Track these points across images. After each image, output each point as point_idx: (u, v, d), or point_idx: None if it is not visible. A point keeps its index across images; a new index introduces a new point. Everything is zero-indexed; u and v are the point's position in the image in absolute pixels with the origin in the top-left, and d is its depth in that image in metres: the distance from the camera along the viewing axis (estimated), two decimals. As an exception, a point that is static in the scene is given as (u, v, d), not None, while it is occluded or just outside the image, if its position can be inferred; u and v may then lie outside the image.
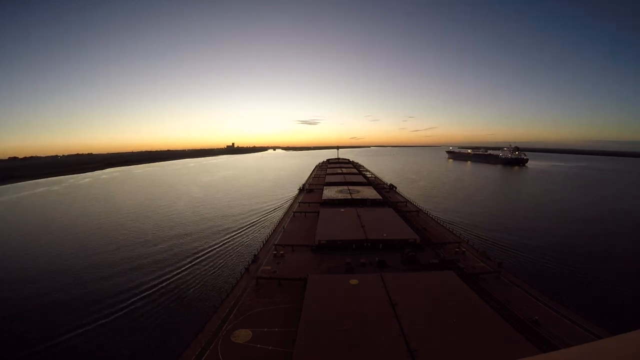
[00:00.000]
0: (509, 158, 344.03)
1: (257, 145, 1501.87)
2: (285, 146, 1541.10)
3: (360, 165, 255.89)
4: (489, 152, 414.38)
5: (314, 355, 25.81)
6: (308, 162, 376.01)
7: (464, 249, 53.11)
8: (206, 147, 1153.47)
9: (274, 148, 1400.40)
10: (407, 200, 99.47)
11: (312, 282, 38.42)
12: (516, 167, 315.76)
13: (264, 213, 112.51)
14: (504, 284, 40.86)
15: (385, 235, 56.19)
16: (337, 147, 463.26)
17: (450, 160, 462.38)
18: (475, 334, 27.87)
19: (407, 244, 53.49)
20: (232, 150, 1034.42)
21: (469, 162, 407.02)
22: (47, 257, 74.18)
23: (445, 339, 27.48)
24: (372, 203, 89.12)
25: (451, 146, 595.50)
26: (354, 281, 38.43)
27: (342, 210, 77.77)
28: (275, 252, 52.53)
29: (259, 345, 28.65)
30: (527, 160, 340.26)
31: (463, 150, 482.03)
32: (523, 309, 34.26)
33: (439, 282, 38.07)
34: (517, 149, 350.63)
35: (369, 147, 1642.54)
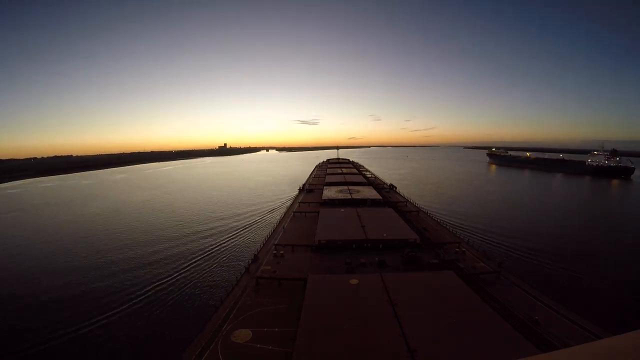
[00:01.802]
0: (604, 166, 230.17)
1: (252, 145, 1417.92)
2: (281, 146, 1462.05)
3: (360, 165, 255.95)
4: (561, 156, 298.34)
5: (314, 355, 25.78)
6: (294, 172, 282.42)
7: (464, 249, 53.08)
8: (200, 148, 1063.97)
9: (267, 149, 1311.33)
10: (407, 200, 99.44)
11: (312, 282, 38.41)
12: (614, 181, 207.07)
13: (263, 213, 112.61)
14: (504, 284, 40.82)
15: (385, 235, 56.17)
16: (337, 148, 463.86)
17: (493, 166, 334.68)
18: (475, 334, 27.85)
19: (407, 244, 53.45)
20: (222, 151, 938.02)
21: (526, 170, 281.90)
22: (47, 255, 74.33)
23: (445, 339, 27.47)
24: (372, 203, 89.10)
25: (494, 147, 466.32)
26: (354, 281, 38.42)
27: (342, 210, 77.78)
28: (275, 252, 52.50)
29: (259, 345, 28.63)
30: (633, 169, 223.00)
31: (517, 154, 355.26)
32: (523, 309, 34.23)
33: (439, 282, 38.06)
34: (614, 152, 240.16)
35: (368, 147, 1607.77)
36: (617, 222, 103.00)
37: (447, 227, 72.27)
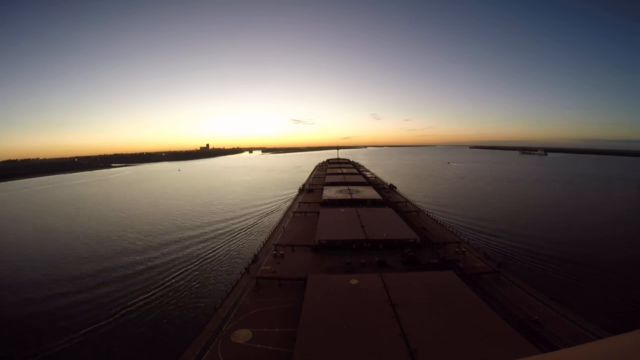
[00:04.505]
0: None
1: (240, 146, 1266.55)
2: (270, 147, 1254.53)
3: (360, 166, 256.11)
4: None
5: (313, 355, 25.78)
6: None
7: (464, 249, 53.10)
8: (182, 149, 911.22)
9: (250, 150, 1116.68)
10: (407, 200, 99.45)
11: (312, 282, 38.39)
12: None
13: (263, 213, 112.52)
14: (504, 284, 40.84)
15: (385, 235, 56.17)
16: (337, 148, 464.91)
17: None
18: (475, 334, 27.84)
19: (407, 244, 53.47)
20: (205, 153, 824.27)
21: None
22: (50, 260, 74.29)
23: (445, 338, 27.45)
24: (372, 203, 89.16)
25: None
26: (354, 281, 38.41)
27: (342, 210, 77.76)
28: (275, 252, 52.51)
29: (259, 345, 28.63)
30: None
31: None
32: (523, 309, 34.28)
33: (439, 282, 38.03)
34: None
35: (365, 147, 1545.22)
36: None
37: (447, 227, 72.24)
